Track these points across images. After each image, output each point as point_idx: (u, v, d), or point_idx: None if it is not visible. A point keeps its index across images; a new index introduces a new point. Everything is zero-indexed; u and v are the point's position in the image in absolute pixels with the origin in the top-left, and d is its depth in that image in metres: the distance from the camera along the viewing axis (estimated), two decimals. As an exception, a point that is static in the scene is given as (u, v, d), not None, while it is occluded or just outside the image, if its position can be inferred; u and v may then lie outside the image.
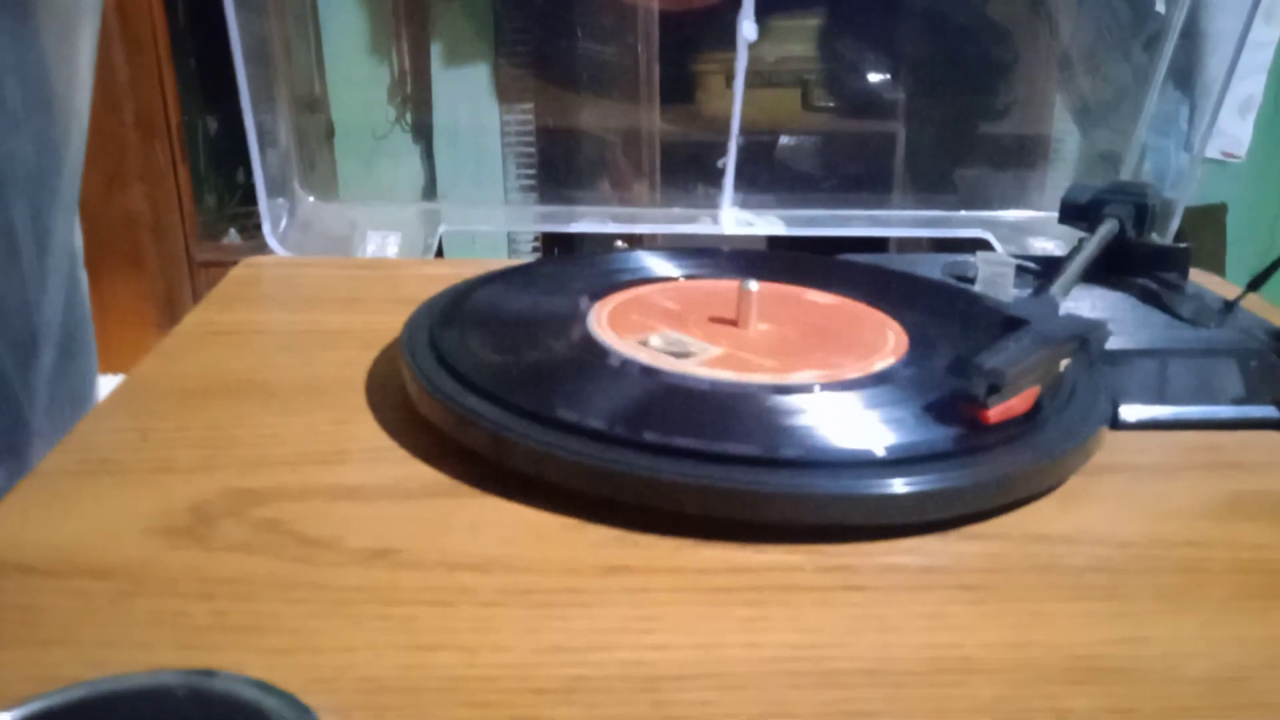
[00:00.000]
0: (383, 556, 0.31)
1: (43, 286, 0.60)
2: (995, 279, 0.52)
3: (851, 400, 0.37)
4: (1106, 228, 0.53)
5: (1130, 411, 0.41)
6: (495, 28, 1.57)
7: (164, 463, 0.36)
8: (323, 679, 0.26)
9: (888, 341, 0.42)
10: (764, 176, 0.74)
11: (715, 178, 0.72)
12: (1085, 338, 0.39)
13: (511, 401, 0.35)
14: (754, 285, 0.43)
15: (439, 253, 0.71)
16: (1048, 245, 0.72)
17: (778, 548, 0.31)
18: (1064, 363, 0.39)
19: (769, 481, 0.32)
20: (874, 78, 1.35)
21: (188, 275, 1.79)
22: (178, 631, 0.27)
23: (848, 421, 0.36)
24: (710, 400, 0.36)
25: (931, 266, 0.55)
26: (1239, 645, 0.28)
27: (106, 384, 0.52)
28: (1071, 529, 0.34)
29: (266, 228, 0.63)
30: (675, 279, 0.50)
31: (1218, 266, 1.68)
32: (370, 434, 0.38)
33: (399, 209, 0.76)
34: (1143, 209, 0.54)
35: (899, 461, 0.33)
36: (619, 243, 0.79)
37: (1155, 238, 0.57)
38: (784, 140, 1.41)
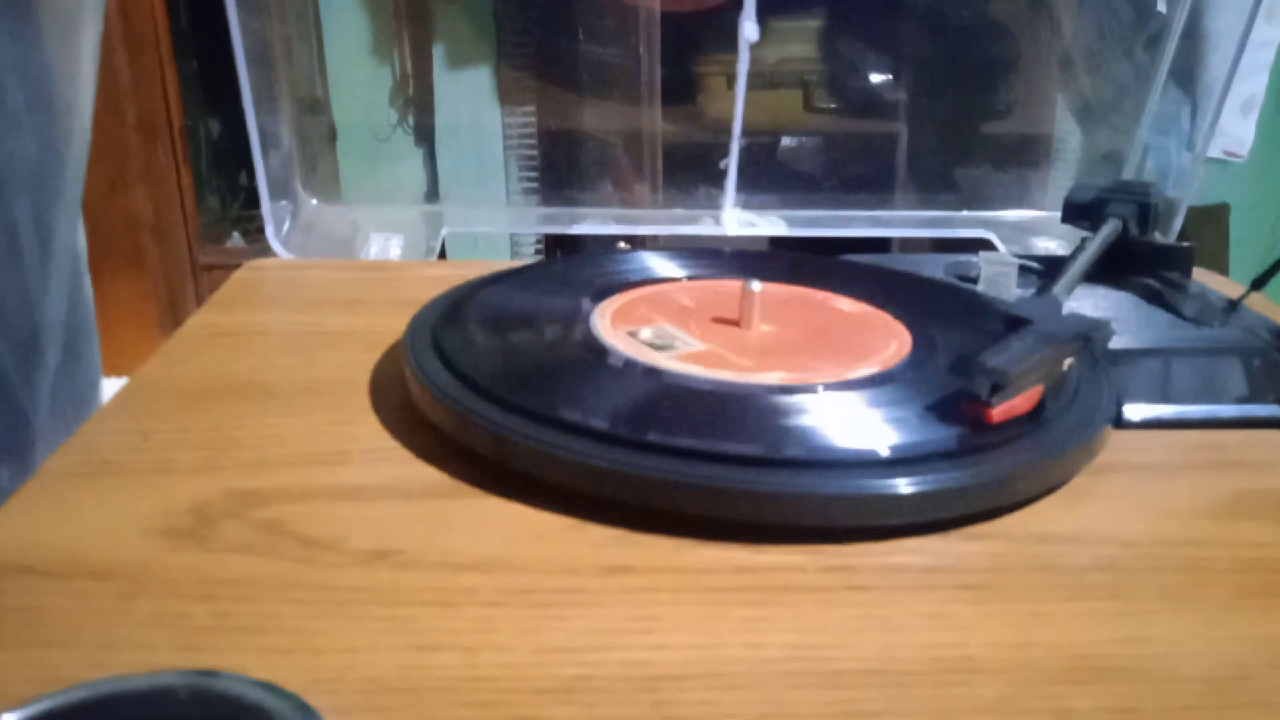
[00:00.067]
0: (384, 557, 0.31)
1: (45, 287, 0.60)
2: (998, 279, 0.52)
3: (854, 400, 0.37)
4: (1109, 227, 0.53)
5: (1134, 411, 0.41)
6: (497, 29, 1.57)
7: (166, 464, 0.36)
8: (324, 680, 0.26)
9: (891, 341, 0.42)
10: (766, 177, 0.74)
11: (717, 179, 0.72)
12: (1088, 337, 0.39)
13: (512, 402, 0.35)
14: (756, 285, 0.43)
15: (441, 254, 0.71)
16: (1050, 245, 0.72)
17: (779, 548, 0.31)
18: (1067, 362, 0.39)
19: (771, 482, 0.32)
20: (876, 78, 1.35)
21: (190, 277, 1.79)
22: (179, 633, 0.27)
23: (851, 421, 0.35)
24: (712, 400, 0.36)
25: (934, 267, 0.55)
26: (1241, 644, 0.28)
27: (109, 386, 0.52)
28: (1074, 528, 0.34)
29: (269, 230, 0.64)
30: (679, 279, 0.50)
31: (1220, 266, 1.67)
32: (372, 434, 0.38)
33: (401, 211, 0.76)
34: (1145, 208, 0.54)
35: (902, 461, 0.33)
36: (621, 244, 0.79)
37: (1158, 237, 0.57)
38: (786, 141, 1.41)
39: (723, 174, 0.71)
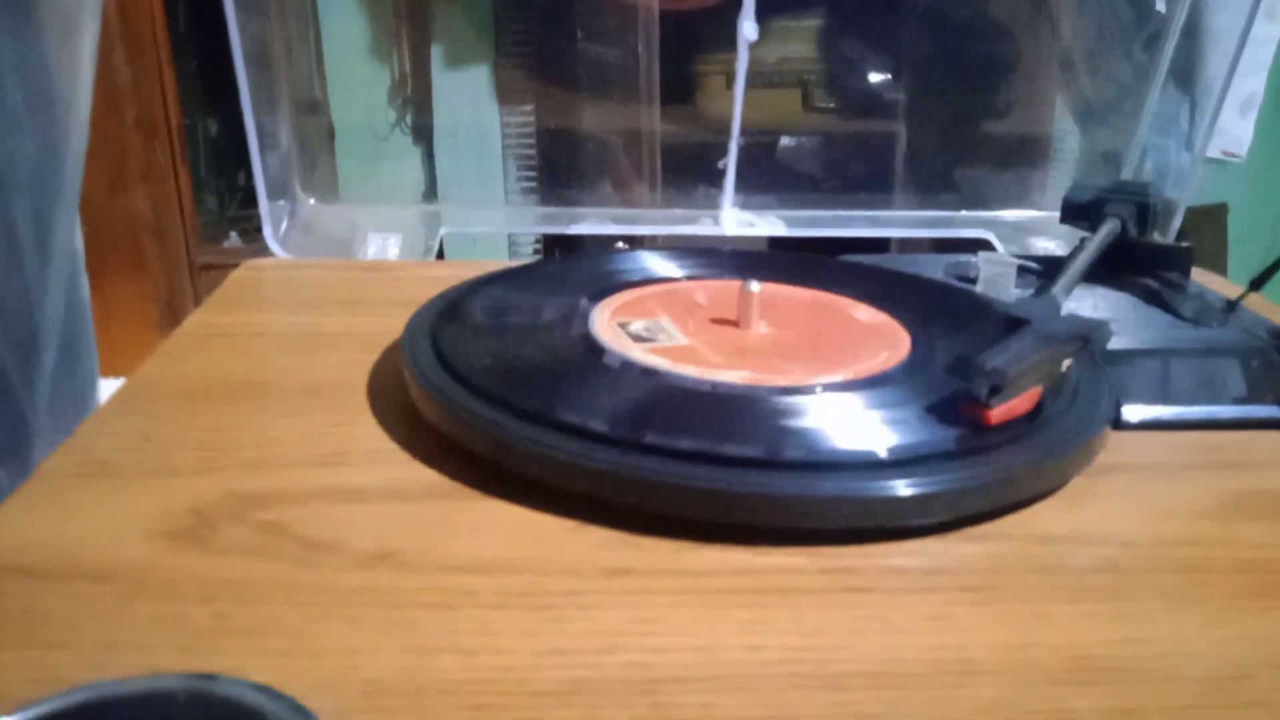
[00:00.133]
0: (384, 559, 0.31)
1: (44, 287, 0.60)
2: (997, 279, 0.52)
3: (853, 401, 0.37)
4: (1108, 227, 0.53)
5: (1133, 411, 0.41)
6: (495, 29, 1.57)
7: (165, 465, 0.36)
8: (324, 682, 0.25)
9: (890, 342, 0.42)
10: (765, 177, 0.74)
11: (716, 178, 0.72)
12: (1087, 338, 0.39)
13: (511, 403, 0.35)
14: (755, 286, 0.43)
15: (440, 254, 0.71)
16: (1049, 245, 0.72)
17: (779, 549, 0.31)
18: (1066, 363, 0.39)
19: (770, 484, 0.32)
20: (875, 78, 1.35)
21: (188, 277, 1.79)
22: (179, 634, 0.27)
23: (850, 423, 0.35)
24: (711, 402, 0.36)
25: (933, 267, 0.55)
26: (1241, 644, 0.28)
27: (107, 387, 0.52)
28: (1074, 529, 0.34)
29: (267, 230, 0.63)
30: (677, 279, 0.50)
31: (1219, 266, 1.68)
32: (371, 436, 0.38)
33: (400, 211, 0.76)
34: (1144, 208, 0.54)
35: (901, 463, 0.33)
36: (620, 244, 0.79)
37: (1157, 237, 0.57)
38: (784, 141, 1.41)
39: (721, 174, 0.71)
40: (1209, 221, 1.66)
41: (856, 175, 1.15)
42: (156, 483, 0.35)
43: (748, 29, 0.67)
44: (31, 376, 0.59)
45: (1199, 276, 0.56)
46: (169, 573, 0.30)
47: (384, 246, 0.68)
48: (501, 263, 0.54)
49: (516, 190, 1.59)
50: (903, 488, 0.32)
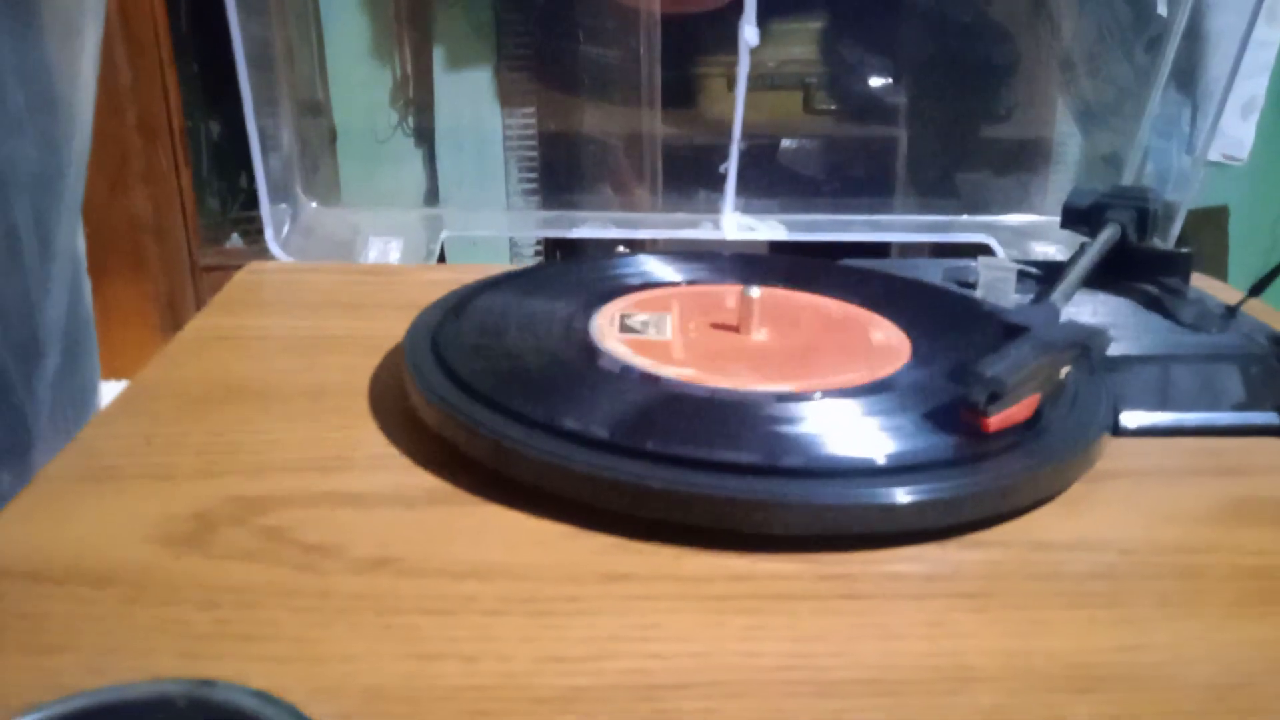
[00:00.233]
0: (385, 564, 0.31)
1: (46, 290, 0.60)
2: (996, 284, 0.52)
3: (852, 407, 0.37)
4: (1108, 233, 0.53)
5: (1131, 418, 0.41)
6: (497, 31, 1.57)
7: (166, 469, 0.36)
8: (324, 688, 0.26)
9: (889, 348, 0.42)
10: (765, 181, 0.74)
11: (717, 182, 0.72)
12: (1086, 345, 0.39)
13: (511, 410, 0.35)
14: (756, 291, 0.43)
15: (441, 257, 0.71)
16: (1049, 250, 0.72)
17: (777, 556, 0.32)
18: (1065, 370, 0.39)
19: (768, 491, 0.32)
20: (875, 81, 1.35)
21: (190, 279, 1.79)
22: (180, 639, 0.27)
23: (848, 429, 0.36)
24: (710, 408, 0.36)
25: (933, 272, 0.55)
26: (1241, 651, 0.28)
27: (109, 390, 0.52)
28: (1073, 536, 0.34)
29: (269, 233, 0.64)
30: (678, 283, 0.50)
31: (1220, 268, 1.68)
32: (373, 440, 0.38)
33: (401, 214, 0.76)
34: (1144, 214, 0.54)
35: (899, 469, 0.33)
36: (620, 247, 0.79)
37: (1157, 241, 0.57)
38: (785, 143, 1.41)
39: (722, 178, 0.71)
40: (1210, 224, 1.66)
41: (857, 178, 1.15)
42: (157, 487, 0.35)
43: (749, 34, 0.67)
44: (33, 379, 0.59)
45: (1199, 282, 0.56)
46: (170, 577, 0.30)
47: (385, 250, 0.68)
48: (502, 266, 0.54)
49: (518, 192, 1.59)
50: (901, 494, 0.32)
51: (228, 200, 1.90)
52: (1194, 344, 0.47)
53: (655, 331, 0.42)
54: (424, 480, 0.36)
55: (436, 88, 1.58)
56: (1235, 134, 1.51)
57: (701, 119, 1.45)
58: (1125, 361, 0.45)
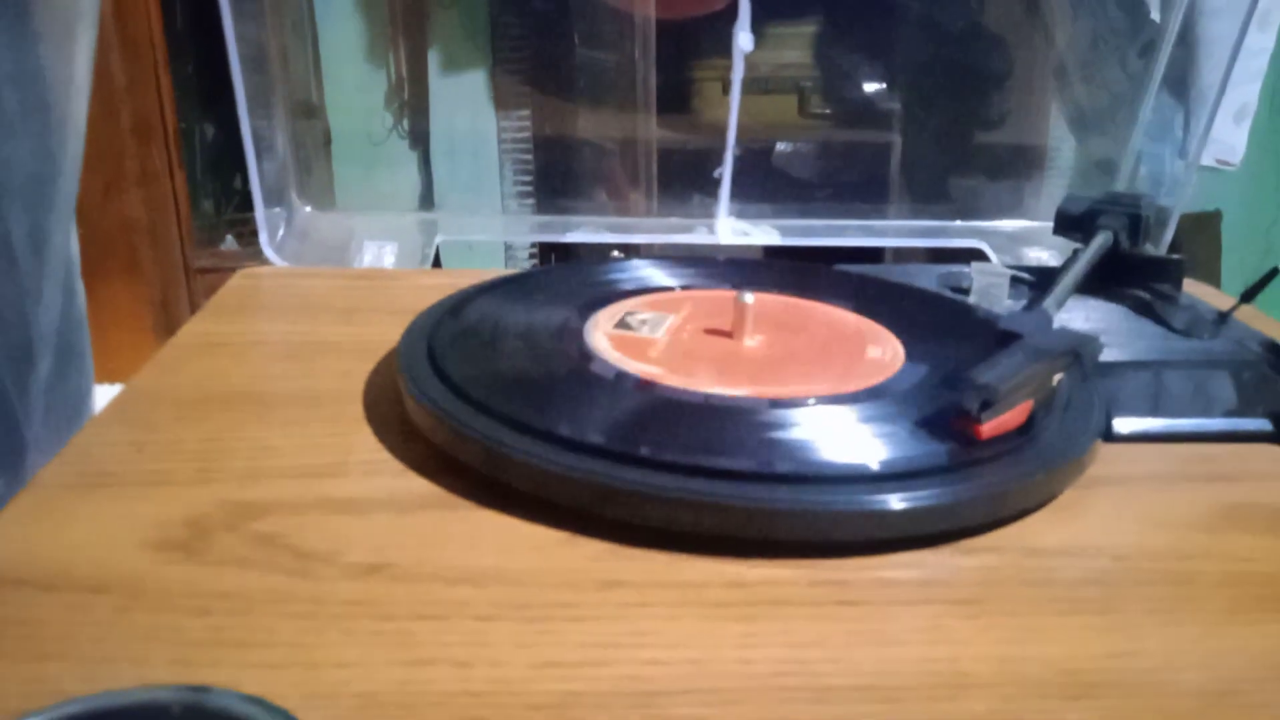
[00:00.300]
0: (378, 570, 0.31)
1: (39, 295, 0.60)
2: (990, 290, 0.52)
3: (845, 414, 0.37)
4: (1100, 240, 0.54)
5: (1123, 424, 0.41)
6: (492, 35, 1.58)
7: (160, 475, 0.36)
8: (318, 694, 0.26)
9: (883, 355, 0.42)
10: (760, 186, 0.74)
11: (712, 187, 0.72)
12: (1078, 352, 0.40)
13: (505, 415, 0.35)
14: (749, 297, 0.43)
15: (436, 262, 0.71)
16: (1043, 255, 0.72)
17: (772, 562, 0.32)
18: (1057, 377, 0.39)
19: (762, 497, 0.32)
20: (870, 86, 1.35)
21: (184, 281, 1.79)
22: (173, 646, 0.27)
23: (842, 436, 0.36)
24: (703, 415, 0.37)
25: (927, 277, 0.55)
26: (1232, 657, 0.28)
27: (103, 393, 0.52)
28: (1066, 542, 0.34)
29: (263, 238, 0.63)
30: (672, 289, 0.50)
31: (1213, 273, 1.68)
32: (367, 446, 0.38)
33: (396, 218, 0.76)
34: (1136, 220, 0.54)
35: (893, 476, 0.33)
36: (615, 252, 0.79)
37: (1150, 248, 0.57)
38: (780, 147, 1.41)
39: (717, 182, 0.72)
40: (1203, 229, 1.67)
41: (851, 184, 1.15)
42: (151, 493, 0.35)
43: (743, 39, 0.67)
44: (26, 384, 0.59)
45: (1191, 288, 0.56)
46: (163, 584, 0.30)
47: (380, 254, 0.68)
48: (497, 271, 0.54)
49: (513, 195, 1.59)
50: (894, 501, 0.32)
51: (222, 202, 1.90)
52: (1186, 350, 0.47)
53: (658, 348, 0.42)
54: (418, 486, 0.36)
55: (432, 91, 1.58)
56: (1228, 139, 1.52)
57: (696, 123, 1.45)
58: (1118, 368, 0.45)
